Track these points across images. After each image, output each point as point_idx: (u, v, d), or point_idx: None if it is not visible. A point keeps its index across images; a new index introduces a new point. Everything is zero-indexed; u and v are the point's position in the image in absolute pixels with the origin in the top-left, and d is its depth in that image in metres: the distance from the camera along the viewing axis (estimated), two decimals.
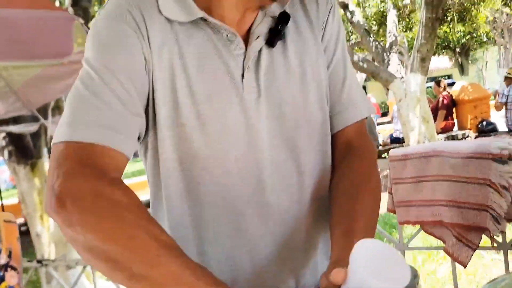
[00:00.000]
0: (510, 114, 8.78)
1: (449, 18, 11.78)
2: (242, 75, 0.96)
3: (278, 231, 1.01)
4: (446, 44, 25.04)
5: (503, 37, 22.32)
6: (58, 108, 4.98)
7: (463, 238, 1.86)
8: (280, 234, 1.01)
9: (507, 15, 20.50)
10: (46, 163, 5.51)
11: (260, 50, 0.98)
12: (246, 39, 0.99)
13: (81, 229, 0.78)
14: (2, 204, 2.16)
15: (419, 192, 1.94)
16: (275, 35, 0.99)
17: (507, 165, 1.75)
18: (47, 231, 5.37)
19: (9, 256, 1.91)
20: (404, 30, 12.20)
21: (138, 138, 0.97)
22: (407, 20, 11.73)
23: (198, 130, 0.96)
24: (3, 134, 5.18)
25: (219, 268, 0.97)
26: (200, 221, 1.00)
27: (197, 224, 1.00)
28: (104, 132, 0.85)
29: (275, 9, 0.99)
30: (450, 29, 13.69)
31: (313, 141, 1.04)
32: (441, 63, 30.45)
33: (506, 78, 9.09)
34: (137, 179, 12.94)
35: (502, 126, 9.25)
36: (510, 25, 22.10)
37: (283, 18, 0.99)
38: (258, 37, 0.98)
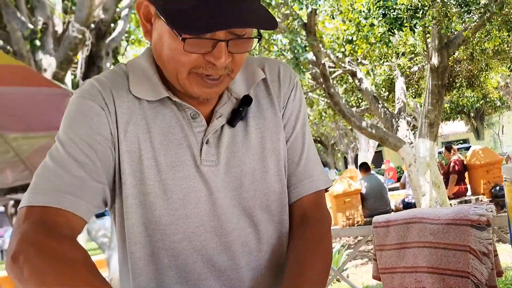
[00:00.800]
0: None
1: (457, 85, 11.94)
2: (201, 149, 1.04)
3: None
4: (461, 109, 25.14)
5: None
6: None
7: None
8: None
9: None
10: None
11: (222, 127, 1.07)
12: (210, 117, 1.08)
13: (30, 284, 0.84)
14: None
15: (402, 259, 1.94)
16: (236, 116, 1.07)
17: (485, 232, 1.76)
18: None
19: None
20: (413, 96, 12.36)
21: (106, 204, 1.03)
22: (416, 86, 11.92)
23: (161, 198, 1.03)
24: (12, 202, 5.27)
25: None
26: (163, 284, 1.04)
27: None
28: (60, 196, 0.94)
29: (239, 91, 1.09)
30: (459, 95, 13.83)
31: (271, 211, 1.11)
32: (457, 127, 30.48)
33: None
34: None
35: None
36: None
37: (245, 101, 1.08)
38: (220, 116, 1.07)
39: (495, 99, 23.95)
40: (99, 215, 18.79)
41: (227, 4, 0.87)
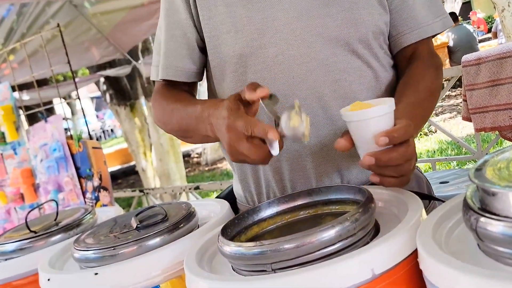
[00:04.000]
0: None
1: None
2: None
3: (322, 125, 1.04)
4: None
5: None
6: (147, 50, 5.21)
7: None
8: (326, 131, 1.03)
9: None
10: (143, 104, 5.85)
11: None
12: None
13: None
14: (89, 132, 2.38)
15: (494, 96, 1.84)
16: None
17: None
18: (151, 165, 5.78)
19: (100, 178, 2.12)
20: None
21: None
22: None
23: (238, 31, 1.02)
24: (103, 79, 5.55)
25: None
26: None
27: None
28: (174, 70, 1.14)
29: None
30: None
31: (355, 38, 1.03)
32: None
33: None
34: None
35: None
36: None
37: None
38: None
39: None
40: None
41: None
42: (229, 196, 1.22)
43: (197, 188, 3.15)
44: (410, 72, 1.05)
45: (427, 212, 0.72)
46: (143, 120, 5.75)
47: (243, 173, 1.12)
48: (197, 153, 11.41)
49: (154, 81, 1.23)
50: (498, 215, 0.54)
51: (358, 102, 0.83)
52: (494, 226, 0.53)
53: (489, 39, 12.30)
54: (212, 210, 1.07)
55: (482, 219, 0.55)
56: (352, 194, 0.82)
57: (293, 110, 0.81)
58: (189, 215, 0.95)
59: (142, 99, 5.77)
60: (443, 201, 0.87)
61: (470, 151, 2.37)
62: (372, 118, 0.78)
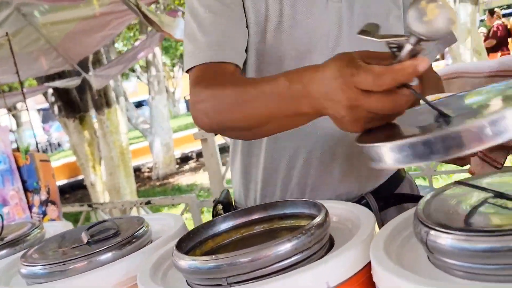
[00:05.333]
0: None
1: None
2: None
3: None
4: None
5: None
6: (98, 62, 5.13)
7: (486, 157, 1.83)
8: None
9: None
10: (93, 117, 5.74)
11: None
12: None
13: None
14: (36, 145, 2.32)
15: None
16: None
17: None
18: (100, 179, 5.66)
19: (48, 192, 2.06)
20: None
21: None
22: None
23: (286, 33, 1.02)
24: (51, 91, 5.41)
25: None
26: None
27: None
28: (218, 50, 0.98)
29: None
30: None
31: None
32: None
33: None
34: (190, 131, 13.25)
35: None
36: None
37: None
38: None
39: None
40: (138, 105, 19.24)
41: None
42: (227, 201, 1.19)
43: (148, 203, 3.10)
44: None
45: None
46: (92, 133, 5.63)
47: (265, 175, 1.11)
48: (148, 167, 11.24)
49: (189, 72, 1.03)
50: (447, 227, 0.55)
51: None
52: (443, 239, 0.55)
53: (436, 60, 12.81)
54: (165, 224, 1.05)
55: (432, 232, 0.56)
56: (307, 209, 0.82)
57: (420, 1, 0.59)
58: (142, 230, 0.93)
59: (92, 112, 5.66)
60: None
61: (419, 167, 2.45)
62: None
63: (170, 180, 9.83)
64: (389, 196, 1.12)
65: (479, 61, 1.83)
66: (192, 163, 11.10)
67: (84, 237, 0.92)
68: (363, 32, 0.68)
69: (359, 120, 0.67)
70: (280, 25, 1.01)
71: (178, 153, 11.27)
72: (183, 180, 9.57)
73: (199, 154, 11.31)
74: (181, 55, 21.84)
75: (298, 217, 0.84)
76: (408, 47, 0.61)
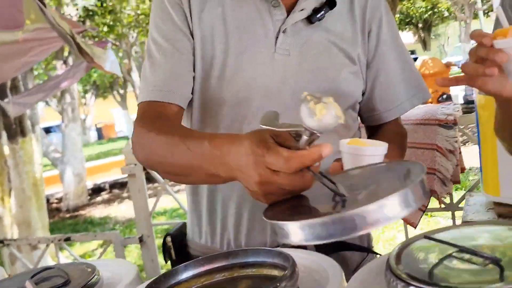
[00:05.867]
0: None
1: None
2: (277, 37, 1.05)
3: None
4: (409, 20, 25.33)
5: (463, 12, 22.66)
6: (15, 88, 4.87)
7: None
8: None
9: None
10: (5, 146, 5.41)
11: (300, 22, 1.06)
12: (290, 9, 1.06)
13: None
14: None
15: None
16: (317, 14, 1.06)
17: (452, 130, 1.83)
18: (9, 212, 5.30)
19: None
20: None
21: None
22: None
23: (227, 81, 1.05)
24: None
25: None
26: None
27: None
28: (164, 92, 1.04)
29: None
30: (411, 4, 13.85)
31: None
32: (404, 38, 30.80)
33: None
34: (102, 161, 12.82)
35: (460, 100, 9.47)
36: (470, 0, 22.45)
37: (330, 3, 1.07)
38: (302, 9, 1.05)
39: (443, 9, 24.16)
40: (47, 131, 18.34)
41: None
42: (179, 236, 1.20)
43: (67, 239, 2.94)
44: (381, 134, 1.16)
45: (364, 264, 0.76)
46: (2, 163, 5.28)
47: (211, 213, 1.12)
48: (57, 198, 10.68)
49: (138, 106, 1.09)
50: (421, 281, 0.58)
51: (356, 139, 0.92)
52: None
53: None
54: (115, 272, 1.01)
55: (403, 284, 0.58)
56: (271, 258, 0.83)
57: (308, 102, 0.70)
58: (95, 278, 0.89)
59: (4, 141, 5.33)
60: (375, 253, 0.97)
61: None
62: (367, 156, 0.87)
63: (81, 212, 9.41)
64: (330, 244, 1.12)
65: None
66: (105, 195, 10.72)
67: (29, 286, 0.86)
68: (263, 123, 0.76)
69: (269, 194, 0.76)
70: (224, 73, 1.05)
71: (89, 184, 10.84)
72: (96, 212, 9.21)
73: (113, 185, 10.96)
74: (94, 82, 21.31)
75: (260, 265, 0.84)
76: (304, 137, 0.72)
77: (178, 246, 1.19)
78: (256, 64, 1.05)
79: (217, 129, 1.07)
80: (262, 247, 0.90)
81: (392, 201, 0.64)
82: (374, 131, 1.20)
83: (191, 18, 1.05)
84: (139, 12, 11.67)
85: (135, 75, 15.16)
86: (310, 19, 1.06)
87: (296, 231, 0.69)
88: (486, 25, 24.68)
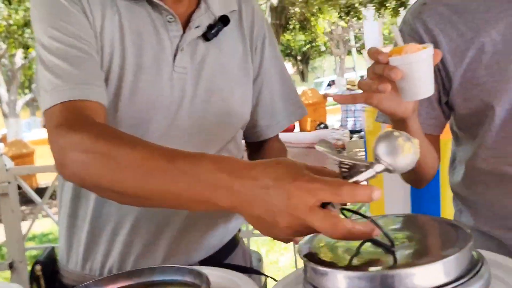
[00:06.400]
0: (344, 115, 9.76)
1: (291, 27, 12.55)
2: (175, 55, 1.00)
3: None
4: (289, 51, 26.61)
5: (338, 48, 24.33)
6: None
7: None
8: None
9: (342, 28, 22.44)
10: None
11: (197, 39, 1.03)
12: (185, 25, 1.02)
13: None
14: None
15: None
16: (212, 31, 1.04)
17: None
18: None
19: None
20: None
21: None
22: None
23: (127, 100, 0.98)
24: None
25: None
26: None
27: None
28: (82, 88, 0.90)
29: (217, 9, 1.05)
30: (292, 37, 14.59)
31: (231, 131, 1.10)
32: None
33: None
34: None
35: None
36: (345, 38, 24.21)
37: (223, 20, 1.05)
38: (197, 26, 1.02)
39: (321, 44, 25.76)
40: None
41: None
42: (50, 263, 1.09)
43: None
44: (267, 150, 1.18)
45: None
46: None
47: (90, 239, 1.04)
48: None
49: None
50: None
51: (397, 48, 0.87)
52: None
53: None
54: None
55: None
56: (180, 276, 0.79)
57: (396, 138, 0.62)
58: None
59: None
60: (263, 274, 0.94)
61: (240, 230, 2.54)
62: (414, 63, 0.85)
63: None
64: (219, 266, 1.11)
65: (299, 133, 2.05)
66: None
67: None
68: (320, 145, 0.68)
69: (295, 233, 0.64)
70: (120, 90, 0.97)
71: None
72: None
73: None
74: None
75: (169, 284, 0.80)
76: (370, 172, 0.62)
77: (49, 275, 1.09)
78: (155, 83, 1.00)
79: None
80: None
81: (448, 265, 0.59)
82: (255, 147, 1.22)
83: (93, 23, 0.96)
84: (11, 22, 10.94)
85: (2, 89, 13.94)
86: (207, 36, 1.05)
87: (342, 280, 0.60)
88: (358, 61, 26.72)
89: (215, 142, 1.07)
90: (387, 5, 10.03)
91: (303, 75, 30.01)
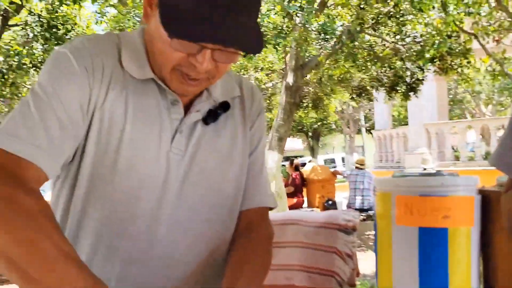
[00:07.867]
0: (352, 193, 9.74)
1: (304, 105, 12.88)
2: (173, 137, 1.06)
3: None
4: (301, 127, 27.00)
5: (348, 127, 24.69)
6: None
7: None
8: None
9: (353, 108, 22.90)
10: None
11: (196, 122, 1.09)
12: (187, 108, 1.09)
13: None
14: None
15: (275, 257, 2.08)
16: (211, 116, 1.11)
17: (351, 235, 1.99)
18: None
19: None
20: (266, 111, 13.03)
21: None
22: (268, 101, 12.58)
23: (119, 174, 1.02)
24: None
25: None
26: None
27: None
28: (34, 149, 0.91)
29: (218, 95, 1.12)
30: (304, 114, 14.92)
31: (219, 213, 1.14)
32: (295, 144, 32.59)
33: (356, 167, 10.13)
34: None
35: (344, 206, 10.11)
36: (355, 117, 24.60)
37: (223, 106, 1.12)
38: (198, 111, 1.09)
39: (332, 122, 26.18)
40: None
41: (221, 16, 0.89)
42: None
43: None
44: (245, 246, 1.16)
45: None
46: None
47: None
48: None
49: None
50: None
51: None
52: None
53: None
54: None
55: None
56: None
57: None
58: None
59: None
60: None
61: None
62: None
63: None
64: None
65: (311, 212, 2.12)
66: None
67: None
68: None
69: None
70: (116, 164, 1.02)
71: None
72: None
73: None
74: None
75: None
76: None
77: None
78: (151, 162, 1.04)
79: (100, 224, 1.03)
80: None
81: None
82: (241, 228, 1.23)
83: (97, 96, 1.01)
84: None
85: None
86: (206, 121, 1.10)
87: None
88: (367, 140, 26.93)
89: (207, 220, 1.11)
90: (397, 89, 10.30)
91: (313, 151, 30.24)
